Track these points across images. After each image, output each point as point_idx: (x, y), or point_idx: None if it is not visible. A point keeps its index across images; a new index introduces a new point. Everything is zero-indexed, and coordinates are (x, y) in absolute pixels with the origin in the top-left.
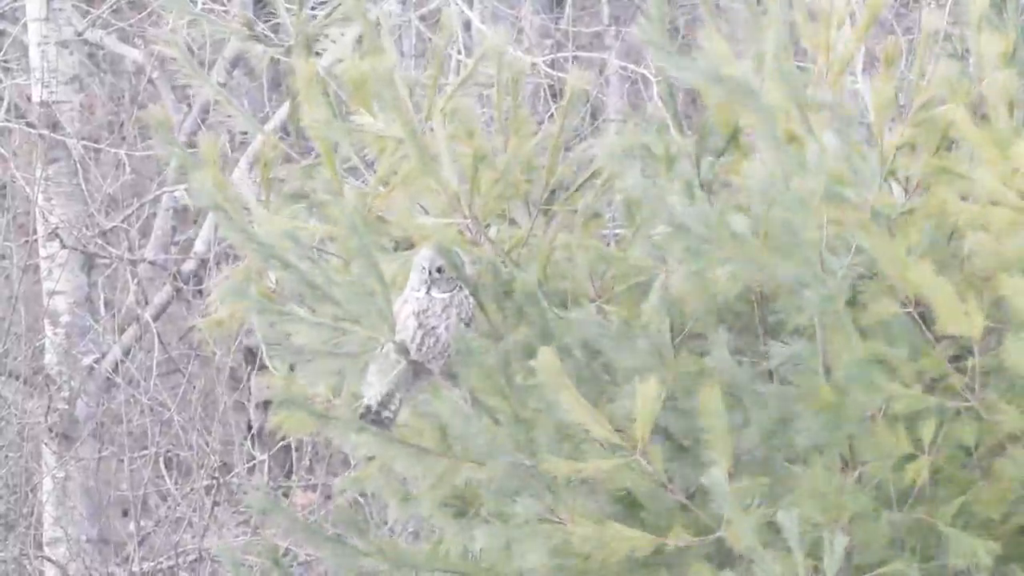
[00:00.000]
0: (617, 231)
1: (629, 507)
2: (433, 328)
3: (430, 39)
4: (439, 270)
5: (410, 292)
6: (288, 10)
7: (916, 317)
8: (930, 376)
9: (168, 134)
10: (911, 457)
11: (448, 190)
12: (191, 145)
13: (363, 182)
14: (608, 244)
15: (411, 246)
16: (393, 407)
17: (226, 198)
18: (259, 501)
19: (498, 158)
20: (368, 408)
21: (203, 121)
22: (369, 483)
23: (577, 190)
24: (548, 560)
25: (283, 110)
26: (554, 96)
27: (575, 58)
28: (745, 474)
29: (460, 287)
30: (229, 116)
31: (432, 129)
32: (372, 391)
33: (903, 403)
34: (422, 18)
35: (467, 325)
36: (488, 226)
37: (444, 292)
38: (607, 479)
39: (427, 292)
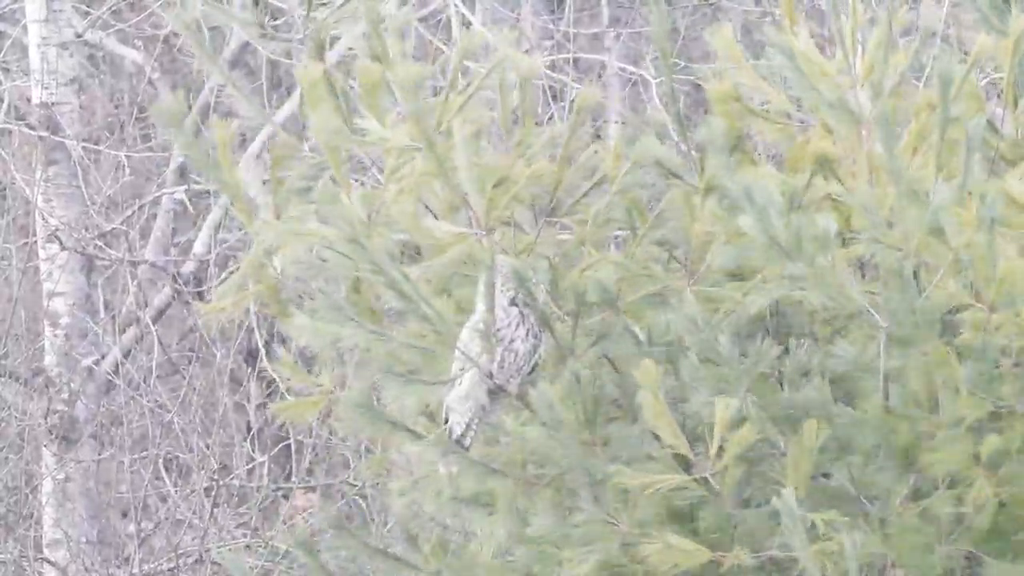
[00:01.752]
0: (620, 233)
1: (683, 517)
2: (511, 342)
3: (430, 41)
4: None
5: (478, 313)
6: (300, 4)
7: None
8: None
9: (180, 123)
10: (967, 474)
11: (458, 195)
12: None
13: (368, 177)
14: (610, 247)
15: (417, 250)
16: (472, 430)
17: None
18: (331, 523)
19: (514, 178)
20: (451, 432)
21: (203, 122)
22: (426, 495)
23: (584, 196)
24: (599, 568)
25: (283, 111)
26: (554, 98)
27: (575, 60)
28: (812, 499)
29: (525, 303)
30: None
31: (445, 135)
32: (456, 417)
33: (968, 409)
34: (422, 20)
35: (537, 339)
36: (493, 230)
37: (510, 305)
38: (674, 494)
39: (490, 307)
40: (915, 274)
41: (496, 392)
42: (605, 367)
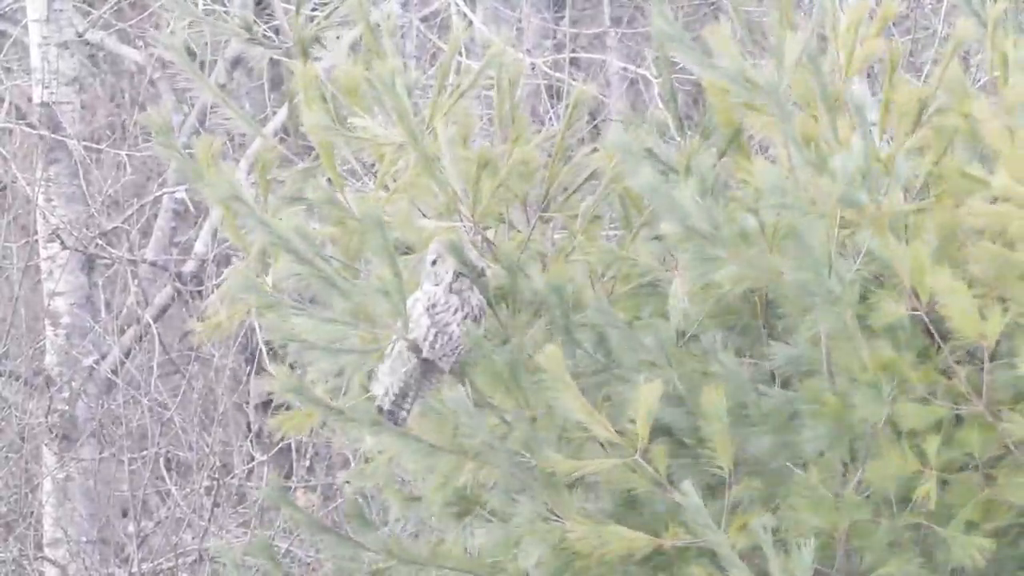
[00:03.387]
0: (615, 232)
1: (629, 505)
2: (446, 325)
3: (431, 41)
4: (433, 262)
5: (420, 290)
6: (285, 12)
7: (926, 321)
8: (933, 381)
9: (168, 137)
10: (917, 472)
11: (450, 194)
12: (191, 147)
13: (361, 184)
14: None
15: (409, 250)
16: (406, 406)
17: (239, 193)
18: (266, 495)
19: (499, 162)
20: (381, 408)
21: (203, 123)
22: (375, 477)
23: (575, 192)
24: (548, 558)
25: (284, 111)
26: (553, 97)
27: (575, 59)
28: (746, 476)
29: (471, 285)
30: (228, 119)
31: (434, 133)
32: (382, 388)
33: (912, 419)
34: (423, 20)
35: (475, 321)
36: (487, 228)
37: (453, 287)
38: (607, 479)
39: (435, 286)
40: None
41: (430, 368)
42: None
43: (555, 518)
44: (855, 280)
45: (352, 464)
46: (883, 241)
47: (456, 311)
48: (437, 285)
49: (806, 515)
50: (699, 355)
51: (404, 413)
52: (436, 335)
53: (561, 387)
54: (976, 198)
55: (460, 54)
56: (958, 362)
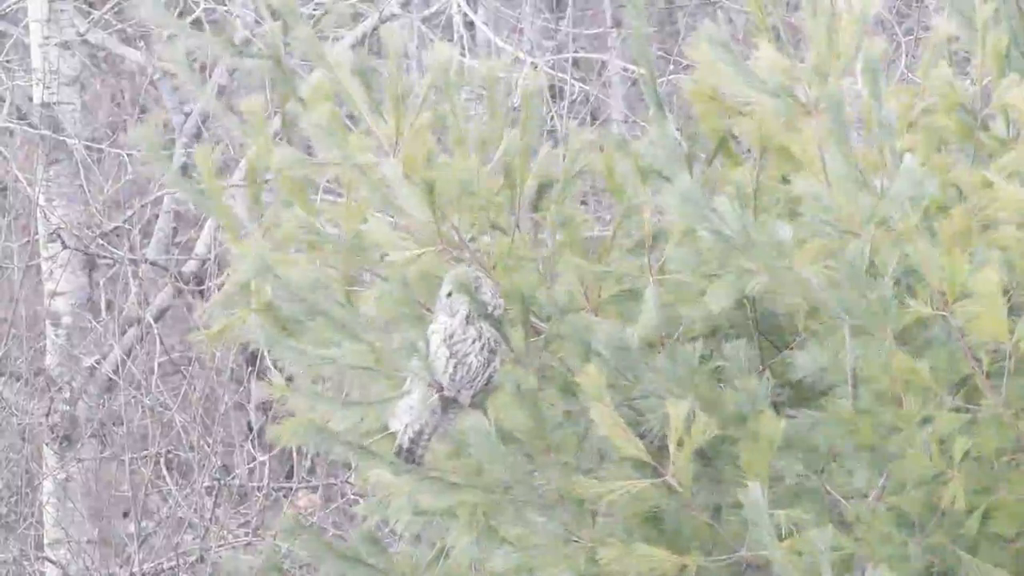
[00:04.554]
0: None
1: (652, 524)
2: (465, 356)
3: (432, 41)
4: (448, 294)
5: (436, 322)
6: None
7: (950, 322)
8: (956, 383)
9: (159, 153)
10: (940, 475)
11: (413, 220)
12: (192, 146)
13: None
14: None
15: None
16: (424, 443)
17: (271, 259)
18: (287, 525)
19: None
20: (400, 447)
21: (204, 123)
22: (394, 510)
23: (563, 190)
24: None
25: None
26: (554, 98)
27: (576, 59)
28: (777, 496)
29: (482, 315)
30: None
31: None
32: (401, 425)
33: (942, 424)
34: (424, 20)
35: (492, 353)
36: (476, 237)
37: (468, 318)
38: (634, 500)
39: (450, 318)
40: (872, 262)
41: (449, 403)
42: (558, 374)
43: (576, 540)
44: (894, 296)
45: (353, 465)
46: (915, 246)
47: (474, 341)
48: (453, 317)
49: (840, 539)
50: (715, 369)
51: (422, 451)
52: (455, 366)
53: (596, 406)
54: (1003, 189)
55: (460, 54)
56: (977, 361)
